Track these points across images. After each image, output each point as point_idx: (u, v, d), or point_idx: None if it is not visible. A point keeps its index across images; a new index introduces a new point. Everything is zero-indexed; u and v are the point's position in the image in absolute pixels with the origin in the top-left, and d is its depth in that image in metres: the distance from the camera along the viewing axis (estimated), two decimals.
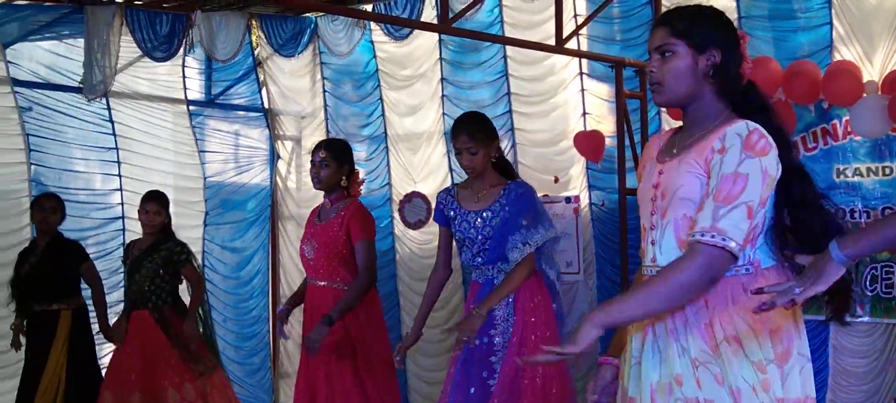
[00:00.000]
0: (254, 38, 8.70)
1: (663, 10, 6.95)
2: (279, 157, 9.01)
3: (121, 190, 7.91)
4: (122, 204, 7.89)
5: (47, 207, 6.64)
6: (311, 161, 5.37)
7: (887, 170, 6.12)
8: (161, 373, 6.38)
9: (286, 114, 9.05)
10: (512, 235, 4.65)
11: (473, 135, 4.68)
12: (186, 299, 6.59)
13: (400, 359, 4.98)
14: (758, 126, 2.60)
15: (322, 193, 5.46)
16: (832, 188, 6.22)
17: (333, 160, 5.31)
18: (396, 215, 8.56)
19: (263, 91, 8.90)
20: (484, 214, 4.70)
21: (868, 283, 6.19)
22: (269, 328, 8.91)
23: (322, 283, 5.34)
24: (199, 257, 7.62)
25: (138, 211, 6.58)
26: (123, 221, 7.87)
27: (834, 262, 2.37)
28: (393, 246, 8.60)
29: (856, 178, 6.22)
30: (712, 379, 2.57)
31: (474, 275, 4.86)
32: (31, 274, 6.54)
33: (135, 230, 7.31)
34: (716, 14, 2.78)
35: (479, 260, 4.76)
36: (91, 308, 6.73)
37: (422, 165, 8.49)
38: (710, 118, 2.71)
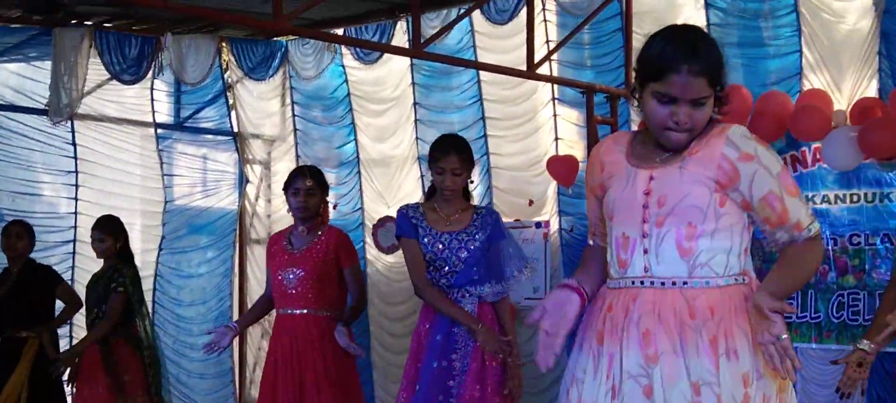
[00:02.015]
0: (224, 61, 8.66)
1: (634, 37, 6.99)
2: (248, 181, 8.95)
3: (76, 213, 7.83)
4: (75, 227, 7.82)
5: (13, 233, 6.56)
6: (294, 189, 5.24)
7: (855, 198, 6.15)
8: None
9: (255, 137, 9.00)
10: (507, 266, 4.69)
11: (462, 157, 4.66)
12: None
13: None
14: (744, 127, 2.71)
15: (294, 218, 5.39)
16: None
17: (319, 188, 5.27)
18: (369, 239, 8.52)
19: (233, 114, 8.85)
20: (460, 236, 4.67)
21: (834, 311, 6.20)
22: (234, 357, 8.82)
23: (305, 311, 5.24)
24: (150, 282, 7.51)
25: None
26: (75, 245, 7.79)
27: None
28: (365, 270, 8.56)
29: (824, 205, 6.24)
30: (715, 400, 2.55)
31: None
32: (4, 301, 6.45)
33: (86, 254, 7.23)
34: (719, 48, 2.70)
35: (444, 282, 4.69)
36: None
37: (395, 189, 8.46)
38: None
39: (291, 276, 5.26)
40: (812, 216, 2.63)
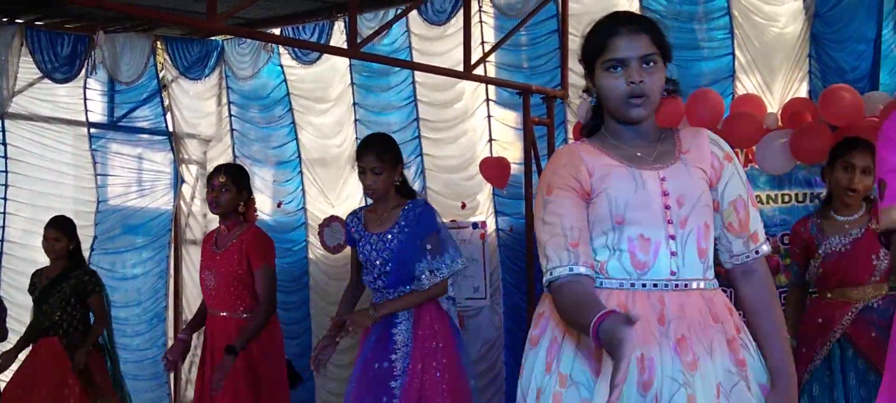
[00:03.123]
0: (159, 60, 8.56)
1: (570, 39, 7.04)
2: (183, 181, 8.86)
3: (4, 213, 7.70)
4: (4, 227, 7.69)
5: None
6: (210, 185, 5.25)
7: (787, 198, 6.24)
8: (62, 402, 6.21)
9: (191, 137, 8.92)
10: (418, 262, 4.62)
11: (380, 155, 4.61)
12: None
13: (317, 366, 4.86)
14: None
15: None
16: None
17: (233, 185, 5.21)
18: (313, 239, 8.49)
19: (168, 114, 8.75)
20: (386, 237, 4.64)
21: None
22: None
23: (224, 314, 5.22)
24: None
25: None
26: (3, 245, 7.66)
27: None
28: (307, 270, 8.52)
29: (757, 206, 6.32)
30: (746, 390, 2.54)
31: (374, 300, 4.81)
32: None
33: (15, 254, 7.10)
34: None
35: (380, 283, 4.67)
36: None
37: (339, 189, 8.44)
38: (656, 128, 2.67)
39: (210, 277, 5.24)
40: (765, 233, 2.67)
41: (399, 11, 7.39)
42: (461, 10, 7.08)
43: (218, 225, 5.38)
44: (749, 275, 2.67)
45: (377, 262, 4.64)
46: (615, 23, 2.58)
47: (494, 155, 7.57)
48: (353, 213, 4.88)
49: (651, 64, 2.53)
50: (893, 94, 5.88)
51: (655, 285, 2.54)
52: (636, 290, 2.54)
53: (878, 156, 2.19)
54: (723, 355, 2.51)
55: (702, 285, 2.58)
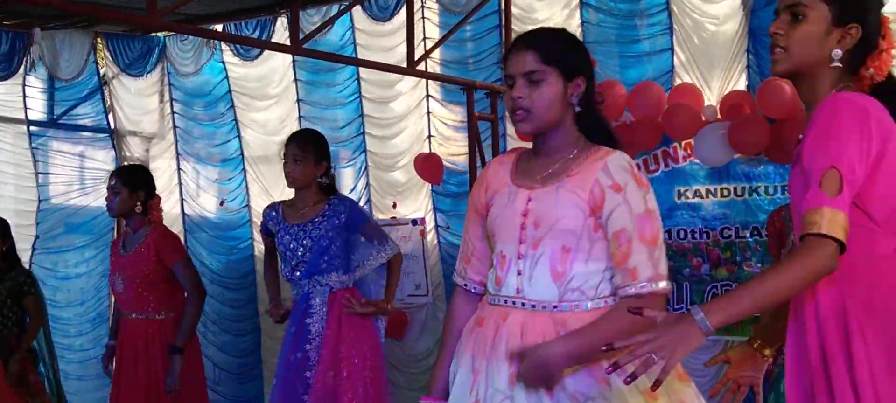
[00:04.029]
0: (99, 56, 8.46)
1: (513, 34, 7.06)
2: None
3: None
4: None
5: None
6: (107, 188, 5.32)
7: (725, 192, 6.32)
8: None
9: (133, 134, 8.82)
10: (353, 253, 4.78)
11: (302, 144, 4.83)
12: None
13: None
14: (628, 157, 2.66)
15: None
16: (674, 209, 6.40)
17: (124, 187, 5.23)
18: (257, 236, 8.44)
19: (110, 111, 8.65)
20: (307, 227, 4.78)
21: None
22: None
23: (135, 316, 5.23)
24: None
25: None
26: None
27: (699, 331, 2.18)
28: (253, 267, 8.48)
29: (696, 200, 6.40)
30: None
31: (293, 293, 4.90)
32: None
33: None
34: (579, 41, 2.78)
35: (297, 274, 4.83)
36: None
37: (282, 186, 8.34)
38: (569, 146, 2.70)
39: (119, 280, 5.23)
40: (658, 275, 2.54)
41: (343, 7, 7.36)
42: (405, 6, 7.08)
43: (124, 227, 5.43)
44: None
45: (298, 251, 4.76)
46: (514, 41, 2.73)
47: (436, 151, 7.56)
48: (271, 206, 5.08)
49: (537, 81, 2.61)
50: None
51: (505, 301, 2.68)
52: (494, 305, 2.71)
53: (819, 141, 2.29)
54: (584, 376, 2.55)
55: (553, 307, 2.61)
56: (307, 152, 4.81)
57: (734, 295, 2.21)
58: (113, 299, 8.55)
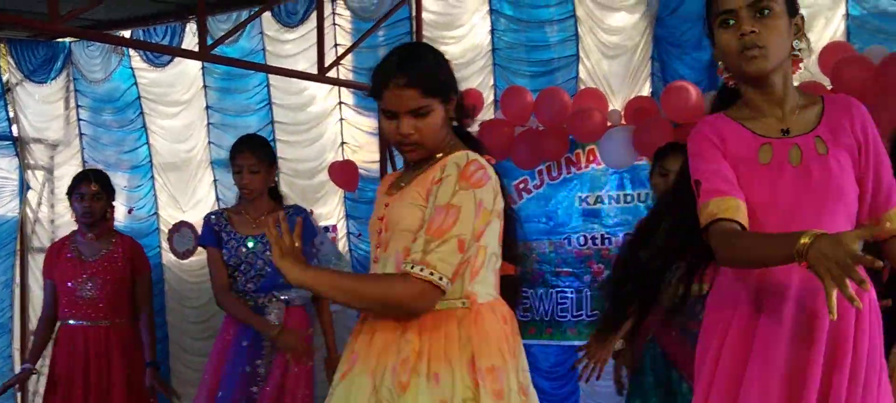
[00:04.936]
0: (2, 62, 8.29)
1: (425, 42, 7.08)
2: (29, 188, 8.60)
3: None
4: None
5: None
6: (79, 194, 5.15)
7: (628, 198, 6.42)
8: None
9: (38, 142, 8.65)
10: (311, 261, 4.66)
11: (257, 154, 4.58)
12: None
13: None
14: (478, 156, 2.61)
15: (79, 224, 5.26)
16: (575, 215, 6.53)
17: (104, 192, 5.19)
18: (165, 244, 8.34)
19: (13, 118, 8.48)
20: (266, 240, 4.54)
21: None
22: (14, 369, 8.41)
23: (106, 323, 5.17)
24: None
25: None
26: None
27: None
28: (163, 275, 8.38)
29: (599, 206, 6.50)
30: None
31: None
32: None
33: None
34: (444, 58, 2.74)
35: (252, 286, 4.59)
36: None
37: (190, 194, 8.31)
38: (439, 151, 2.70)
39: (88, 286, 5.13)
40: (432, 269, 2.48)
41: (252, 13, 7.31)
42: (314, 12, 7.06)
43: (73, 232, 5.29)
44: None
45: (257, 263, 4.56)
46: (386, 72, 2.64)
47: (350, 158, 7.55)
48: (215, 213, 4.78)
49: (423, 114, 2.62)
50: None
51: None
52: None
53: (690, 166, 2.52)
54: (388, 374, 2.55)
55: None
56: (262, 161, 4.59)
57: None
58: (18, 309, 8.45)
